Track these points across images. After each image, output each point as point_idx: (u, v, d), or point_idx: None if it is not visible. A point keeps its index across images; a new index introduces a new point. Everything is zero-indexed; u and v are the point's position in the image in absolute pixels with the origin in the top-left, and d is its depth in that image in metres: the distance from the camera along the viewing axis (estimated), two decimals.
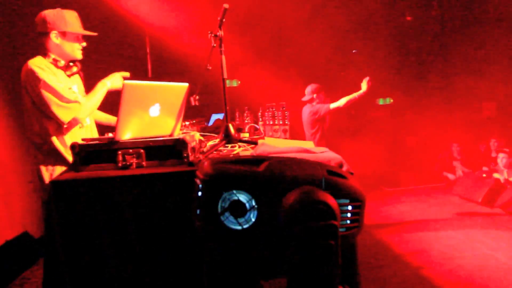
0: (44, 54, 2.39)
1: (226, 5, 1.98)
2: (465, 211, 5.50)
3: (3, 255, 3.32)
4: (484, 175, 6.20)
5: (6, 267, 3.36)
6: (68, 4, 2.58)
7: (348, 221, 1.42)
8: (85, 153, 1.80)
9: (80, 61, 2.52)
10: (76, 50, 2.43)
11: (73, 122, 2.33)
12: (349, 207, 1.42)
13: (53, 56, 2.38)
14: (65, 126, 2.30)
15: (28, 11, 3.78)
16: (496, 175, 6.10)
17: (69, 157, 2.29)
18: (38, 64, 2.28)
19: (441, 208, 5.70)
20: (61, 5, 2.44)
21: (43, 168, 2.34)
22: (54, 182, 1.68)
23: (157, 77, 6.17)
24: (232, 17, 2.07)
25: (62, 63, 2.40)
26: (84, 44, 2.47)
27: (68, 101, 2.25)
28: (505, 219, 5.07)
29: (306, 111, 4.93)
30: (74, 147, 1.79)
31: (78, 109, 2.30)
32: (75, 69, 2.46)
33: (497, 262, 3.68)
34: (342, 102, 4.65)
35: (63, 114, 2.24)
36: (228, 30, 2.12)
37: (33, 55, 2.38)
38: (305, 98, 4.92)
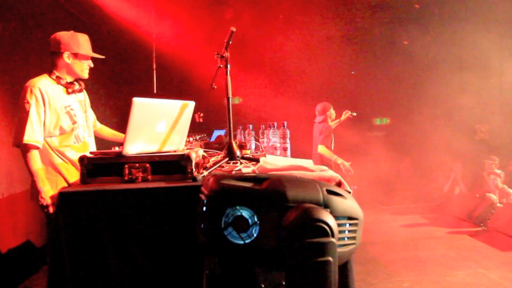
0: (50, 71, 2.51)
1: (233, 28, 2.06)
2: (458, 229, 5.58)
3: (5, 263, 3.34)
4: (477, 195, 6.30)
5: (7, 275, 3.37)
6: (76, 18, 2.68)
7: (346, 238, 1.48)
8: (92, 166, 1.86)
9: (84, 80, 2.64)
10: (84, 70, 2.58)
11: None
12: (347, 225, 1.48)
13: (57, 73, 2.51)
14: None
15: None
16: (489, 195, 6.20)
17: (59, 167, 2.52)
18: (36, 84, 2.40)
19: (435, 226, 5.77)
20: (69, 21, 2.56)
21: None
22: (62, 193, 1.73)
23: (162, 90, 6.27)
24: (236, 37, 2.15)
25: (64, 81, 2.52)
26: (92, 65, 2.60)
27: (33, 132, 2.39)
28: (497, 238, 5.15)
29: (317, 129, 5.06)
30: (82, 159, 1.85)
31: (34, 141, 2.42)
32: (76, 87, 2.58)
33: (489, 280, 3.74)
34: (321, 150, 4.88)
35: (29, 133, 2.37)
36: (232, 49, 2.19)
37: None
38: (318, 119, 5.07)
